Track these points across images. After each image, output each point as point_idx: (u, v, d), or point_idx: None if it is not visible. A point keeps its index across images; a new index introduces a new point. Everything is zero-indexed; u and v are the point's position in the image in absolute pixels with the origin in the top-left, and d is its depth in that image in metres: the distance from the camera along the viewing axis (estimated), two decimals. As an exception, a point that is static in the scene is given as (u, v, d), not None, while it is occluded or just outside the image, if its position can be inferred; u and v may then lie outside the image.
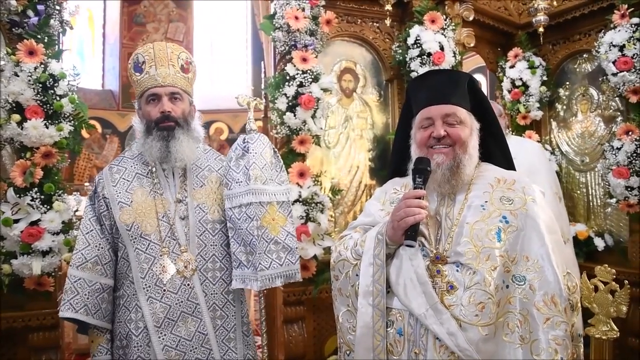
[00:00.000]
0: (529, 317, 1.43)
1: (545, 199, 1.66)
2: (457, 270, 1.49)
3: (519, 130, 4.14)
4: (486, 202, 1.57)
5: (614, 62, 3.22)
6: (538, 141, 4.09)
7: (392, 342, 1.54)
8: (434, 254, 1.54)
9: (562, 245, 1.57)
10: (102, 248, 1.94)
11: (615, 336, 1.71)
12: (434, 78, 1.72)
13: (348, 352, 1.65)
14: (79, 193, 2.84)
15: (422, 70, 3.30)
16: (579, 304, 1.55)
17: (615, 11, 3.27)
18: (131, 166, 2.02)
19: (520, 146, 3.29)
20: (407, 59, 3.43)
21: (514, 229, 1.51)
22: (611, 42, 3.24)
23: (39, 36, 2.58)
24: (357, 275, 1.62)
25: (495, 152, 1.74)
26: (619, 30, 3.22)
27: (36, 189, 2.50)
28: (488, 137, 1.71)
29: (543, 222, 1.53)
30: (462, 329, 1.42)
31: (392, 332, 1.54)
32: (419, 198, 1.50)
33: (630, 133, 3.21)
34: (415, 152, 1.67)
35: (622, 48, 3.18)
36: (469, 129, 1.62)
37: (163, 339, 1.87)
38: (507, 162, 1.75)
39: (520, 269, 1.48)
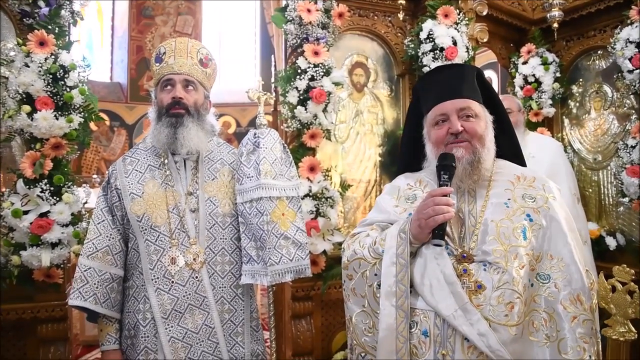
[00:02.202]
0: (555, 316, 1.43)
1: (563, 199, 1.63)
2: (485, 269, 1.45)
3: (531, 127, 4.08)
4: (509, 199, 1.54)
5: (630, 59, 3.17)
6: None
7: (417, 344, 1.48)
8: (460, 252, 1.49)
9: (581, 244, 1.56)
10: (113, 238, 1.94)
11: (633, 338, 1.69)
12: (443, 73, 1.68)
13: (363, 354, 1.59)
14: (87, 185, 2.84)
15: (435, 65, 3.25)
16: (596, 303, 1.52)
17: (632, 7, 3.21)
18: (144, 158, 2.02)
19: (540, 144, 3.22)
20: (419, 54, 3.39)
21: (538, 227, 1.49)
22: (627, 39, 3.19)
23: (49, 27, 2.57)
24: (375, 274, 1.55)
25: (504, 147, 1.69)
26: (636, 27, 3.16)
27: (46, 180, 2.50)
28: (498, 132, 1.66)
29: (564, 220, 1.51)
30: (492, 329, 1.39)
31: (416, 333, 1.48)
32: (446, 195, 1.46)
33: (645, 131, 3.16)
34: (432, 152, 1.62)
35: (639, 45, 3.13)
36: (484, 122, 1.59)
37: (170, 330, 1.87)
38: (517, 159, 1.71)
39: (545, 267, 1.47)
